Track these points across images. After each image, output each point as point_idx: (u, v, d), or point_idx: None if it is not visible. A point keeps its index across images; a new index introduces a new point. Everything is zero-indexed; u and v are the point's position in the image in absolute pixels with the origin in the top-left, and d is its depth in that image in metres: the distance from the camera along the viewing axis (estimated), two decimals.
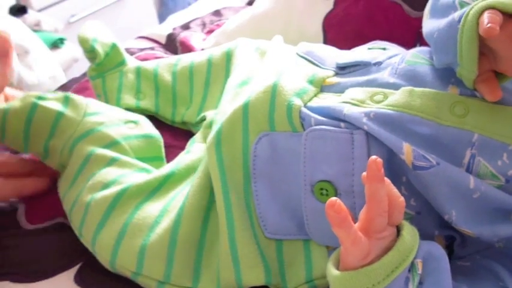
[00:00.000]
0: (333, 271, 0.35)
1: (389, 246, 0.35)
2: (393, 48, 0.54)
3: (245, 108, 0.47)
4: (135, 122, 0.55)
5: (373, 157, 0.34)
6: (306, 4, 0.74)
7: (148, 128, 0.55)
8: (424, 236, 0.38)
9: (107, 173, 0.49)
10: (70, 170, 0.51)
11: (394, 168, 0.42)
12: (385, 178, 0.36)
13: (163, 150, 0.56)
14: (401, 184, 0.43)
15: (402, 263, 0.34)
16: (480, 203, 0.40)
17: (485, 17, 0.35)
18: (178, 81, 0.66)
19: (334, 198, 0.33)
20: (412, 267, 0.35)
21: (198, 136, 0.56)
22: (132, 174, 0.50)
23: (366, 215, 0.35)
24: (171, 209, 0.47)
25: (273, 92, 0.46)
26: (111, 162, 0.50)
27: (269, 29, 0.74)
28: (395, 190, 0.36)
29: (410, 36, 0.64)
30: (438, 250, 0.37)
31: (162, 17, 1.87)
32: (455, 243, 0.44)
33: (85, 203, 0.48)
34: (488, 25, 0.34)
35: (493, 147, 0.40)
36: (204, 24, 0.94)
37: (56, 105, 0.55)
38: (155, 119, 0.65)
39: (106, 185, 0.49)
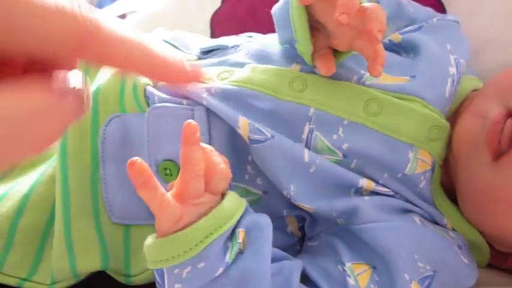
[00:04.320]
0: (147, 241, 0.33)
1: (207, 213, 0.33)
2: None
3: (95, 93, 0.45)
4: None
5: (189, 121, 0.33)
6: (195, 3, 0.74)
7: None
8: (274, 216, 0.37)
9: None
10: None
11: (238, 146, 0.41)
12: (207, 145, 0.35)
13: None
14: (247, 163, 0.42)
15: (218, 229, 0.32)
16: (318, 178, 0.39)
17: None
18: None
19: (135, 158, 0.31)
20: (232, 236, 0.34)
21: None
22: None
23: (180, 179, 0.33)
24: (14, 192, 0.43)
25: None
26: None
27: (159, 27, 0.73)
28: (216, 157, 0.34)
29: None
30: (264, 220, 0.35)
31: None
32: (305, 223, 0.43)
33: None
34: None
35: (329, 122, 0.40)
36: None
37: None
38: None
39: None
